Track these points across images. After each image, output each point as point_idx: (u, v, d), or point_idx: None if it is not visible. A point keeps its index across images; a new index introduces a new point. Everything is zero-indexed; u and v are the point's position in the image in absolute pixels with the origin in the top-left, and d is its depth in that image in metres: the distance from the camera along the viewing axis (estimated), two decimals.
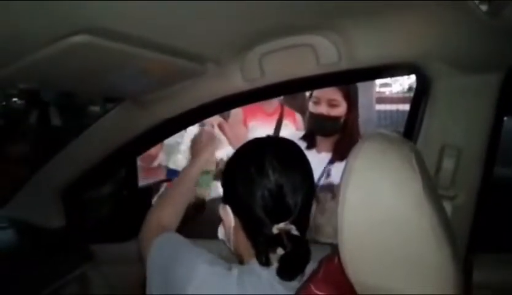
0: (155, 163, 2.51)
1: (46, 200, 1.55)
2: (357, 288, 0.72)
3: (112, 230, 1.65)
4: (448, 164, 1.13)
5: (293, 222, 0.86)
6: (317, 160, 1.83)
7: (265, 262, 0.85)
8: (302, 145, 1.84)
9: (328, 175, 1.80)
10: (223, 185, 0.99)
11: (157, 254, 0.99)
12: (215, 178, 1.78)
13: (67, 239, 1.54)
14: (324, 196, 1.54)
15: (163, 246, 1.00)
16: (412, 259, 0.68)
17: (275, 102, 2.67)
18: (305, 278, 0.84)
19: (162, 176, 2.33)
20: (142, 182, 1.78)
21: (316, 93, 1.85)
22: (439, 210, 0.71)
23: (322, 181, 1.75)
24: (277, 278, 0.84)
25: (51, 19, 0.68)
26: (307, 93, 2.05)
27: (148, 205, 1.80)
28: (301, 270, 0.86)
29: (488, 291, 1.20)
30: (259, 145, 0.98)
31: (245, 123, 2.66)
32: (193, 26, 0.88)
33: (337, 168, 1.82)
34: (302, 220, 0.89)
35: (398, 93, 10.63)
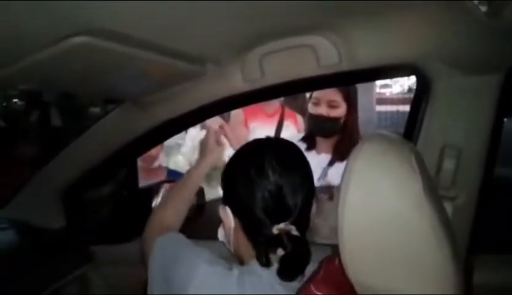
0: (156, 164, 2.52)
1: (46, 201, 1.55)
2: (357, 288, 0.72)
3: (112, 231, 1.65)
4: (448, 164, 1.13)
5: (293, 223, 0.86)
6: (317, 161, 1.83)
7: (265, 263, 0.85)
8: (302, 146, 1.84)
9: (325, 176, 1.81)
10: (222, 187, 0.99)
11: (159, 253, 0.99)
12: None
13: (67, 240, 1.54)
14: (321, 198, 1.54)
15: (165, 246, 1.00)
16: (412, 259, 0.68)
17: (276, 103, 2.67)
18: (305, 278, 0.84)
19: (162, 176, 2.34)
20: (143, 183, 1.78)
21: (316, 94, 1.85)
22: (440, 210, 0.71)
23: (318, 182, 1.75)
24: (277, 278, 0.84)
25: (51, 20, 0.68)
26: (308, 94, 2.05)
27: (148, 206, 1.80)
28: (301, 270, 0.86)
29: (488, 292, 1.20)
30: (258, 146, 0.98)
31: (246, 125, 2.66)
32: (193, 27, 0.88)
33: (334, 169, 1.82)
34: (302, 221, 0.89)
35: (398, 94, 10.63)
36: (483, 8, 0.86)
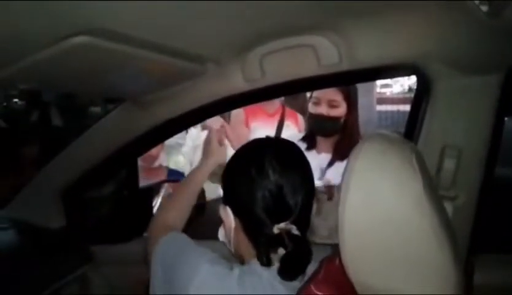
0: (156, 164, 2.52)
1: (46, 201, 1.55)
2: (358, 288, 0.72)
3: (112, 230, 1.65)
4: (449, 164, 1.13)
5: (293, 222, 0.86)
6: (317, 160, 1.83)
7: (266, 262, 0.85)
8: (303, 146, 1.85)
9: (325, 175, 1.81)
10: (223, 187, 0.99)
11: (161, 253, 0.99)
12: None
13: (67, 240, 1.54)
14: (321, 198, 1.54)
15: (167, 245, 1.00)
16: (412, 259, 0.68)
17: (276, 103, 2.68)
18: (306, 278, 0.84)
19: (163, 176, 2.33)
20: (143, 182, 1.78)
21: (316, 93, 1.85)
22: (440, 210, 0.71)
23: (319, 182, 1.75)
24: (278, 278, 0.84)
25: (51, 20, 0.68)
26: (308, 94, 2.05)
27: (149, 206, 1.81)
28: (302, 270, 0.86)
29: (488, 292, 1.20)
30: (258, 146, 0.98)
31: (247, 124, 2.66)
32: (193, 26, 0.88)
33: (334, 169, 1.82)
34: (302, 220, 0.89)
35: (398, 93, 10.62)
36: (484, 8, 0.86)
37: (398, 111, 8.47)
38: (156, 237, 1.04)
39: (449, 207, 1.10)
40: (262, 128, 2.57)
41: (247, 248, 0.92)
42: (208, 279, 0.87)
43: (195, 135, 2.86)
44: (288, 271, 0.84)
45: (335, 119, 1.83)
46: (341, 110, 1.83)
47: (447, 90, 1.12)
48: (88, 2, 0.66)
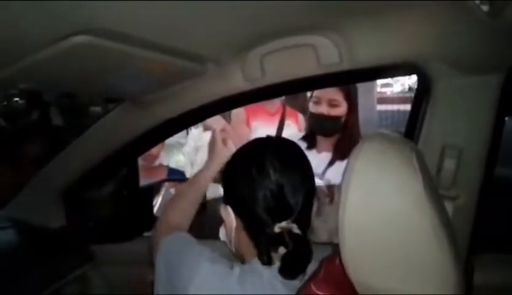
0: (156, 163, 2.51)
1: (46, 200, 1.55)
2: (358, 288, 0.72)
3: (112, 230, 1.65)
4: (449, 164, 1.13)
5: (294, 221, 0.87)
6: (318, 160, 1.83)
7: (267, 261, 0.86)
8: (303, 145, 1.84)
9: (325, 175, 1.80)
10: (223, 186, 0.99)
11: (164, 253, 0.99)
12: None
13: (67, 240, 1.54)
14: (322, 200, 1.54)
15: (170, 245, 1.01)
16: (412, 259, 0.68)
17: (277, 102, 2.67)
18: (306, 277, 0.84)
19: (163, 175, 2.33)
20: (143, 181, 1.78)
21: (317, 93, 1.85)
22: (440, 210, 0.71)
23: (319, 181, 1.75)
24: (278, 277, 0.84)
25: (51, 19, 0.68)
26: (308, 93, 2.05)
27: (149, 205, 1.81)
28: (303, 268, 0.86)
29: (488, 292, 1.20)
30: (259, 145, 0.98)
31: (248, 124, 2.66)
32: (193, 26, 0.88)
33: (335, 168, 1.82)
34: (303, 219, 0.89)
35: (399, 93, 10.61)
36: (484, 8, 0.86)
37: (399, 111, 8.46)
38: (160, 237, 1.04)
39: (449, 207, 1.10)
40: (263, 128, 2.57)
41: (247, 247, 0.92)
42: (208, 278, 0.88)
43: (197, 136, 2.86)
44: (289, 270, 0.85)
45: (336, 118, 1.83)
46: (341, 110, 1.83)
47: (447, 90, 1.12)
48: (88, 2, 0.65)
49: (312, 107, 1.86)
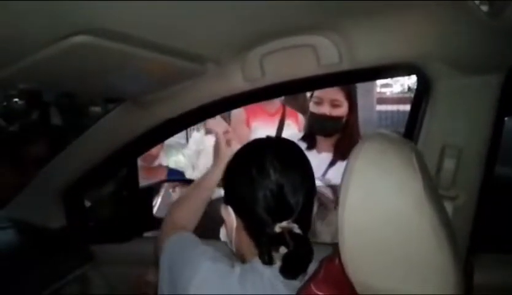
0: (156, 163, 2.52)
1: (47, 201, 1.55)
2: (358, 288, 0.72)
3: (112, 230, 1.65)
4: (449, 164, 1.13)
5: (295, 221, 0.87)
6: (318, 160, 1.83)
7: (268, 261, 0.86)
8: (303, 145, 1.84)
9: (324, 175, 1.80)
10: (224, 186, 0.99)
11: (168, 253, 0.99)
12: None
13: (67, 240, 1.54)
14: (327, 205, 1.54)
15: (173, 246, 1.01)
16: (412, 259, 0.68)
17: (277, 103, 2.68)
18: (307, 277, 0.84)
19: (163, 176, 2.34)
20: (143, 182, 1.78)
21: (318, 93, 1.85)
22: (440, 210, 0.71)
23: (320, 181, 1.75)
24: (279, 276, 0.85)
25: (51, 19, 0.68)
26: (308, 93, 2.05)
27: (148, 205, 1.80)
28: (303, 268, 0.86)
29: (488, 292, 1.20)
30: (259, 146, 0.98)
31: (248, 124, 2.66)
32: (193, 26, 0.88)
33: (336, 168, 1.82)
34: (304, 219, 0.89)
35: (398, 93, 10.62)
36: (484, 8, 0.86)
37: (398, 111, 8.47)
38: (165, 238, 1.04)
39: (448, 207, 1.10)
40: (263, 128, 2.57)
41: (248, 247, 0.92)
42: (209, 276, 0.88)
43: (199, 139, 2.86)
44: (290, 270, 0.85)
45: (337, 119, 1.83)
46: (343, 110, 1.83)
47: (447, 90, 1.12)
48: (88, 2, 0.66)
49: (314, 108, 1.86)
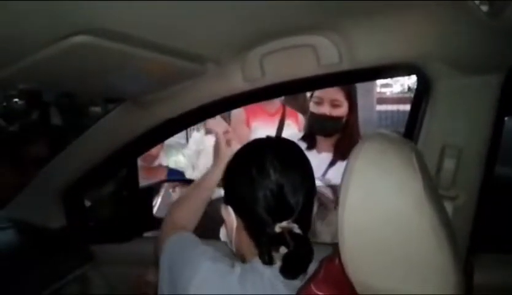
0: (156, 163, 2.52)
1: (47, 201, 1.55)
2: (357, 288, 0.72)
3: (112, 230, 1.65)
4: (449, 164, 1.13)
5: (295, 221, 0.87)
6: (318, 160, 1.83)
7: (268, 261, 0.86)
8: (303, 145, 1.84)
9: (325, 175, 1.80)
10: (224, 186, 0.99)
11: (168, 253, 0.99)
12: None
13: (67, 240, 1.54)
14: (327, 205, 1.54)
15: (173, 246, 1.01)
16: (412, 258, 0.68)
17: (277, 103, 2.68)
18: (307, 276, 0.84)
19: (163, 176, 2.34)
20: (143, 182, 1.78)
21: (318, 93, 1.85)
22: (440, 210, 0.71)
23: (320, 181, 1.75)
24: (279, 276, 0.85)
25: (51, 19, 0.68)
26: (308, 93, 2.05)
27: (148, 205, 1.80)
28: (304, 268, 0.86)
29: (488, 291, 1.20)
30: (259, 146, 0.98)
31: (248, 124, 2.66)
32: (193, 26, 0.88)
33: (336, 168, 1.82)
34: (304, 219, 0.89)
35: (398, 93, 10.61)
36: (484, 8, 0.86)
37: (398, 111, 8.47)
38: (165, 238, 1.04)
39: (448, 207, 1.10)
40: (263, 128, 2.57)
41: (248, 247, 0.92)
42: (209, 276, 0.88)
43: (199, 139, 2.86)
44: (290, 270, 0.85)
45: (337, 119, 1.83)
46: (343, 110, 1.83)
47: (447, 90, 1.12)
48: (88, 2, 0.66)
49: (314, 108, 1.86)
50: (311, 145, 1.92)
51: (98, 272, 1.53)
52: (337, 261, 0.75)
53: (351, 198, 0.69)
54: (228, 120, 2.58)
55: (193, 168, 2.76)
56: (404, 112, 7.70)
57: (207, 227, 1.26)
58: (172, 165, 2.67)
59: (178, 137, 2.82)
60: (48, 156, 1.63)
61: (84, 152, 1.50)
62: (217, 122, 1.43)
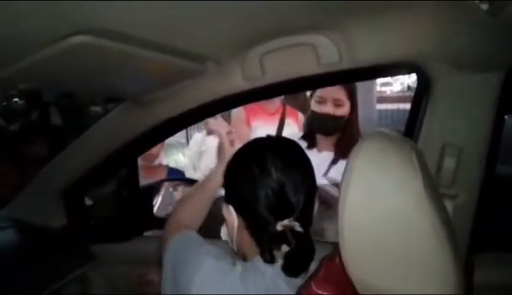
0: (156, 162, 2.52)
1: (47, 200, 1.55)
2: (358, 287, 0.72)
3: (112, 230, 1.65)
4: (449, 163, 1.13)
5: (296, 219, 0.87)
6: (319, 159, 1.83)
7: (270, 260, 0.86)
8: (303, 144, 1.84)
9: (326, 174, 1.80)
10: (225, 185, 0.99)
11: (171, 252, 1.00)
12: None
13: (67, 240, 1.54)
14: (332, 203, 1.54)
15: (177, 244, 1.01)
16: (412, 257, 0.68)
17: (277, 102, 2.67)
18: (308, 274, 0.84)
19: (163, 175, 2.33)
20: (143, 181, 1.78)
21: (320, 92, 1.84)
22: (440, 209, 0.71)
23: (322, 180, 1.74)
24: (281, 275, 0.85)
25: (51, 19, 0.68)
26: (308, 92, 2.05)
27: (149, 205, 1.81)
28: (305, 266, 0.86)
29: (489, 290, 1.20)
30: (260, 145, 0.98)
31: (248, 123, 2.66)
32: (193, 26, 0.88)
33: (337, 167, 1.81)
34: (305, 218, 0.90)
35: (398, 92, 10.60)
36: (484, 7, 0.86)
37: (398, 110, 8.46)
38: (168, 237, 1.04)
39: (449, 205, 1.10)
40: (263, 127, 2.56)
41: (250, 246, 0.93)
42: (211, 274, 0.88)
43: (200, 140, 2.85)
44: (292, 268, 0.85)
45: (339, 118, 1.83)
46: (345, 109, 1.83)
47: (447, 89, 1.12)
48: (88, 2, 0.66)
49: (316, 107, 1.86)
50: (311, 144, 1.92)
51: (98, 272, 1.53)
52: (337, 260, 0.75)
53: (351, 197, 0.69)
54: (228, 119, 2.58)
55: (194, 168, 2.76)
56: (404, 110, 7.68)
57: (211, 226, 1.26)
58: (172, 164, 2.66)
59: (179, 137, 2.81)
60: (48, 156, 1.63)
61: (84, 152, 1.50)
62: (218, 123, 1.43)
